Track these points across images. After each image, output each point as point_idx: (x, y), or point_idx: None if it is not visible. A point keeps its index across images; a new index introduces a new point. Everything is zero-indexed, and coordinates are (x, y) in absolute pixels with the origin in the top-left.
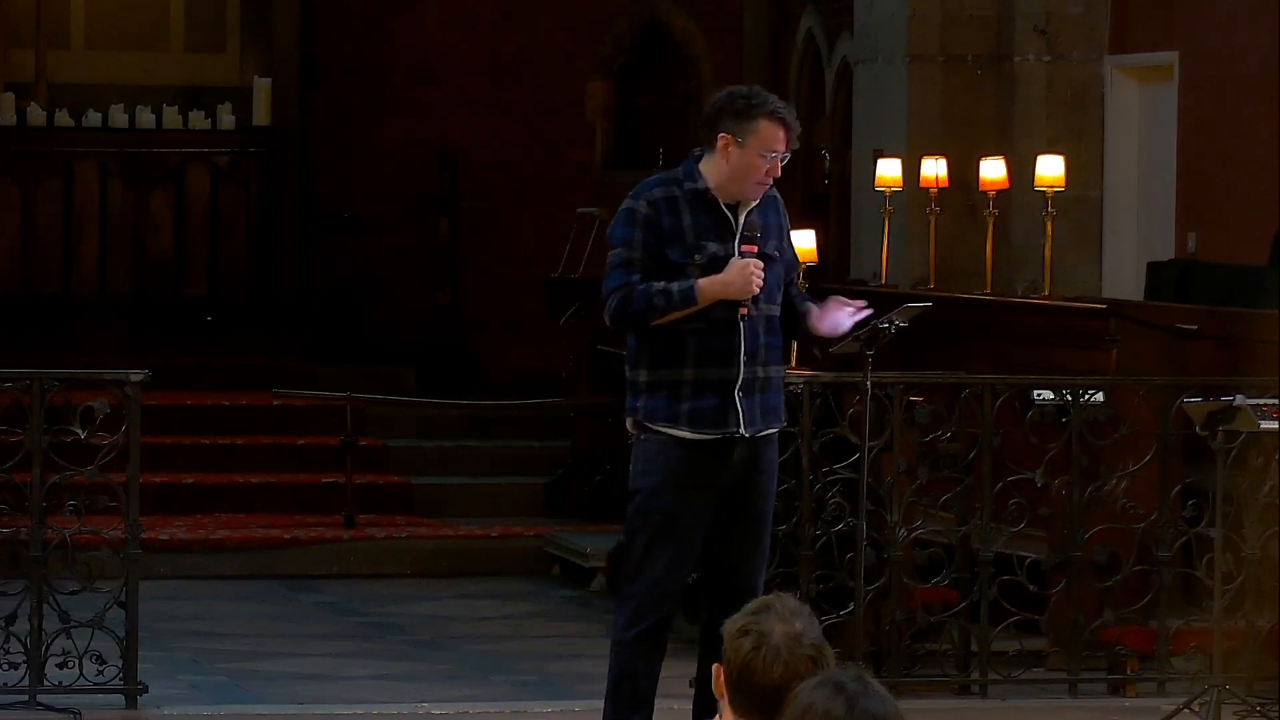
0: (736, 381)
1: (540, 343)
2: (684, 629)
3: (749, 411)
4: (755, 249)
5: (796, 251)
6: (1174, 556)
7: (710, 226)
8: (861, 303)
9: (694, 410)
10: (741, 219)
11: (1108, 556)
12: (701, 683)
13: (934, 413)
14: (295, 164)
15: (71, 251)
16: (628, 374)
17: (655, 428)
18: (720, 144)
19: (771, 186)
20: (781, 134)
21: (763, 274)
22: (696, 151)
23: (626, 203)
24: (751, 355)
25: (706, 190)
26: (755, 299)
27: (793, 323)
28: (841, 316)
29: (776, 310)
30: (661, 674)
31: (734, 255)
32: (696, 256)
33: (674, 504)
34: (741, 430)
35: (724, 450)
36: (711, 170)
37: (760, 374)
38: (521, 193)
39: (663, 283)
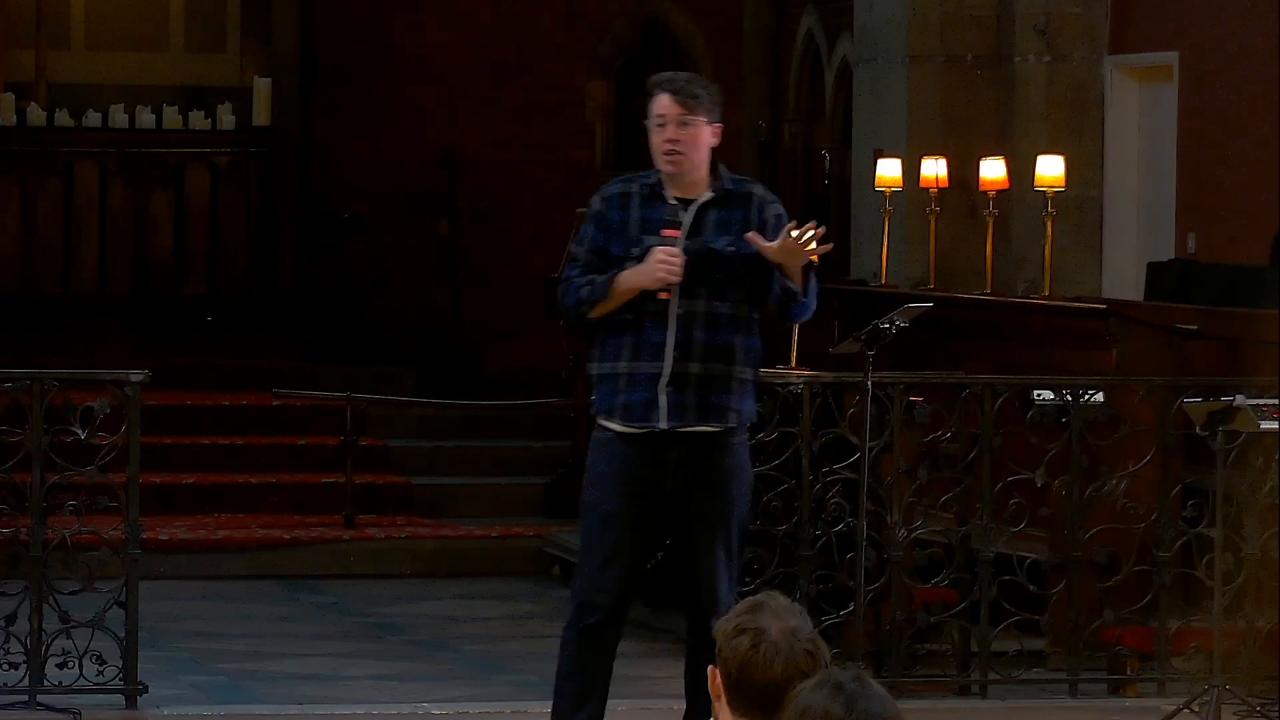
0: (663, 375)
1: (540, 343)
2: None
3: (676, 407)
4: (678, 234)
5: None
6: (1174, 556)
7: (658, 221)
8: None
9: (626, 404)
10: (690, 213)
11: (1108, 556)
12: (695, 687)
13: (934, 413)
14: (295, 164)
15: (71, 251)
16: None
17: (599, 420)
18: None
19: (759, 184)
20: (663, 98)
21: (679, 264)
22: None
23: (591, 200)
24: (683, 350)
25: (657, 183)
26: (693, 293)
27: (772, 305)
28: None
29: (727, 308)
30: (662, 674)
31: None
32: (634, 250)
33: (610, 500)
34: (663, 424)
35: (656, 447)
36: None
37: (695, 370)
38: (521, 193)
39: (591, 276)
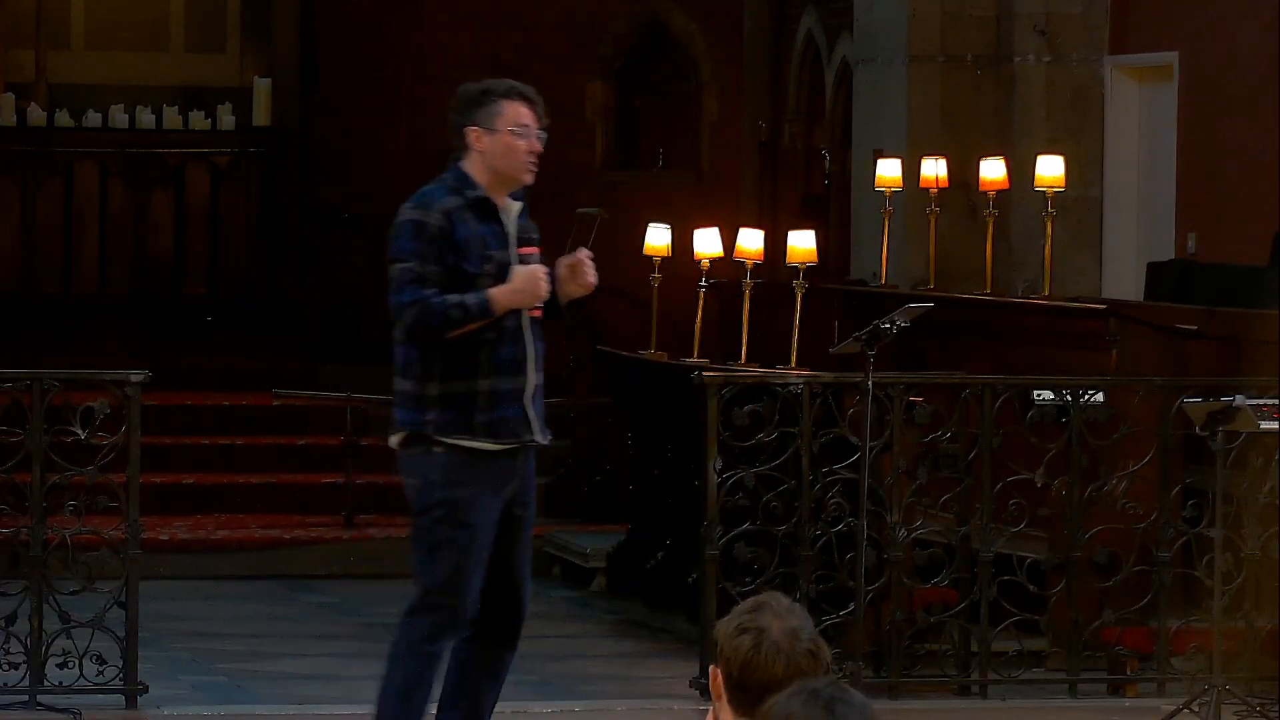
0: (526, 390)
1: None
2: (683, 629)
3: (538, 420)
4: (537, 250)
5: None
6: (1174, 556)
7: (492, 234)
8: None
9: (491, 422)
10: (514, 222)
11: (1108, 556)
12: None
13: (934, 413)
14: (295, 164)
15: (71, 251)
16: (407, 386)
17: (450, 440)
18: (471, 139)
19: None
20: (525, 108)
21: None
22: (455, 161)
23: (412, 214)
24: (536, 363)
25: (486, 196)
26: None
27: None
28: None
29: (540, 317)
30: (662, 674)
31: (512, 260)
32: (486, 266)
33: (481, 515)
34: (536, 438)
35: (513, 459)
36: (478, 171)
37: (538, 380)
38: None
39: (456, 295)
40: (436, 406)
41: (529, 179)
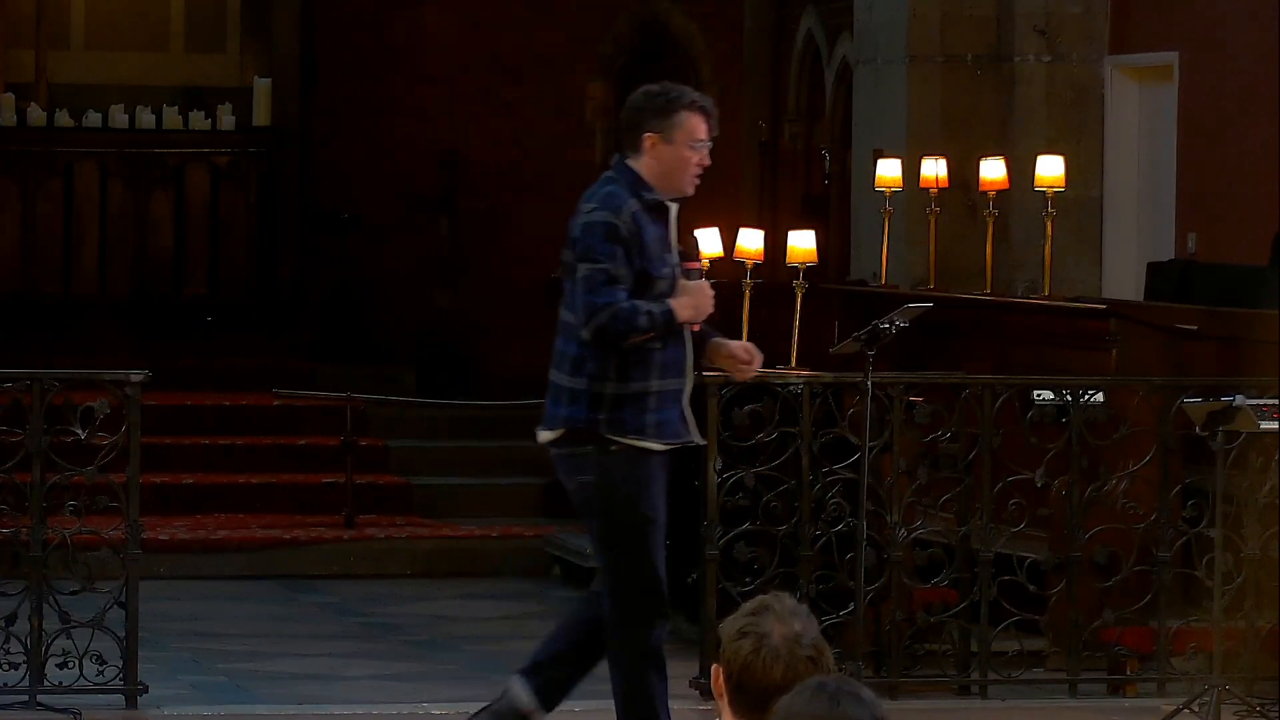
0: (685, 391)
1: (540, 343)
2: (684, 629)
3: (693, 420)
4: (698, 265)
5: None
6: (1174, 556)
7: (662, 237)
8: None
9: (660, 422)
10: (673, 226)
11: (1108, 556)
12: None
13: (934, 413)
14: (295, 164)
15: (71, 251)
16: (578, 384)
17: (623, 440)
18: (646, 144)
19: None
20: (704, 123)
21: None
22: (616, 159)
23: (604, 215)
24: (692, 366)
25: (660, 200)
26: None
27: None
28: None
29: None
30: None
31: (677, 265)
32: (664, 270)
33: (657, 511)
34: (694, 438)
35: (678, 460)
36: (648, 174)
37: (693, 384)
38: (521, 193)
39: (645, 304)
40: (611, 406)
41: (691, 191)
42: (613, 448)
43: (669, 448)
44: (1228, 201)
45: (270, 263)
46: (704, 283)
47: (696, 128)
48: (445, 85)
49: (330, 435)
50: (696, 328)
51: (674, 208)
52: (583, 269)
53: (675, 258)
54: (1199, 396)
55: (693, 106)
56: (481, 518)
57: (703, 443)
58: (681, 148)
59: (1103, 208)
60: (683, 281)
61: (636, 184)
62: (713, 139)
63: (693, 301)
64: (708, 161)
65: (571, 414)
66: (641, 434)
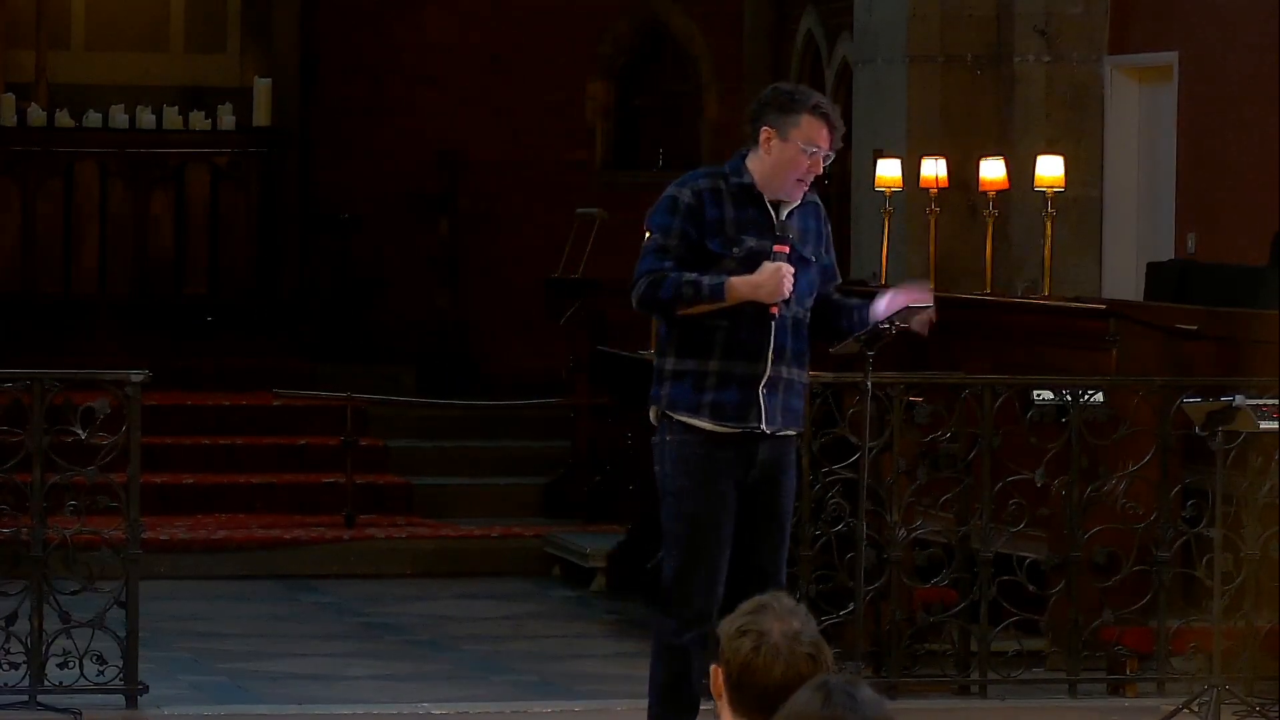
0: (763, 378)
1: (540, 343)
2: None
3: (771, 409)
4: (787, 249)
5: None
6: (1174, 556)
7: (752, 222)
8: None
9: (717, 403)
10: (785, 214)
11: (1107, 556)
12: None
13: (934, 413)
14: (295, 164)
15: (71, 251)
16: (655, 362)
17: (677, 417)
18: (762, 137)
19: (813, 192)
20: (824, 130)
21: (793, 277)
22: (743, 150)
23: (670, 190)
24: (779, 354)
25: (751, 185)
26: (785, 300)
27: (833, 320)
28: (900, 298)
29: (804, 316)
30: None
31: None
32: (735, 250)
33: (707, 502)
34: (763, 426)
35: (745, 446)
36: (756, 165)
37: (785, 374)
38: (521, 193)
39: (694, 274)
40: (671, 380)
41: (793, 197)
42: (671, 428)
43: (725, 430)
44: (1227, 201)
45: (270, 263)
46: (778, 264)
47: (816, 133)
48: (445, 85)
49: (330, 435)
50: (775, 310)
51: (792, 201)
52: (645, 240)
53: (769, 244)
54: (1199, 396)
55: (815, 111)
56: (481, 518)
57: (770, 432)
58: (794, 148)
59: (1102, 208)
60: (765, 263)
61: (734, 170)
62: (833, 151)
63: (756, 280)
64: (819, 170)
65: (652, 394)
66: (695, 413)
